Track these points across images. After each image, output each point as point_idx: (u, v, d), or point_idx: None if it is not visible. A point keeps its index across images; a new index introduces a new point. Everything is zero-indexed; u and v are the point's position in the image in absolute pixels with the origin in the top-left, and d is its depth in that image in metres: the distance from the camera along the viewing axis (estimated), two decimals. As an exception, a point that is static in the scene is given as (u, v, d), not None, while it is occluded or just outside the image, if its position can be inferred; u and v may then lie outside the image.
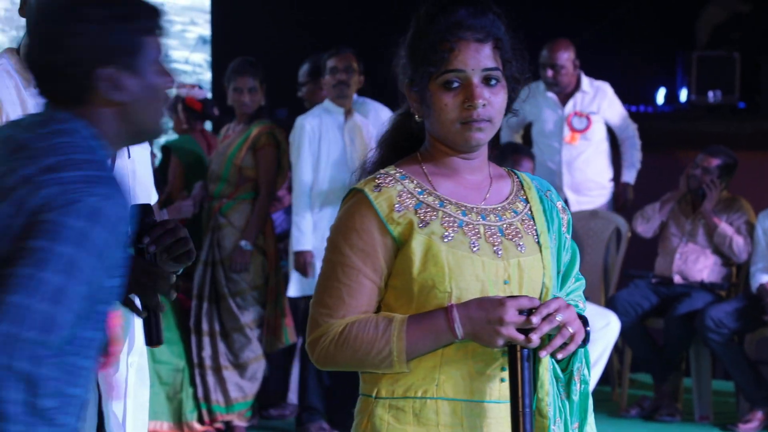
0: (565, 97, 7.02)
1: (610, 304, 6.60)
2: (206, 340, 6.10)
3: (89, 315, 1.92)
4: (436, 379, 2.32)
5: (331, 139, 6.24)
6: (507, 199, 2.43)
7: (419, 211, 2.34)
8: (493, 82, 2.34)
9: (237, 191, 6.21)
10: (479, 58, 2.32)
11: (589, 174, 7.00)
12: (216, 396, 6.07)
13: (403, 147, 2.48)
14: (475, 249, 2.33)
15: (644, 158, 7.18)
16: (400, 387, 2.34)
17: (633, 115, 7.43)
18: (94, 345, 1.97)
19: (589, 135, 6.99)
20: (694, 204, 6.77)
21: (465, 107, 2.31)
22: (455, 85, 2.32)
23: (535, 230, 2.41)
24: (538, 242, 2.40)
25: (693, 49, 10.36)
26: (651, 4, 10.85)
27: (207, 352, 6.09)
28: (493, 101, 2.33)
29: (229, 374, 6.08)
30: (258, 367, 6.14)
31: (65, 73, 2.06)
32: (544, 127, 7.02)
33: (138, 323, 2.86)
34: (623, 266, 6.98)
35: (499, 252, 2.35)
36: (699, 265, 6.67)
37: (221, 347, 6.10)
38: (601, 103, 7.04)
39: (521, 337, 2.25)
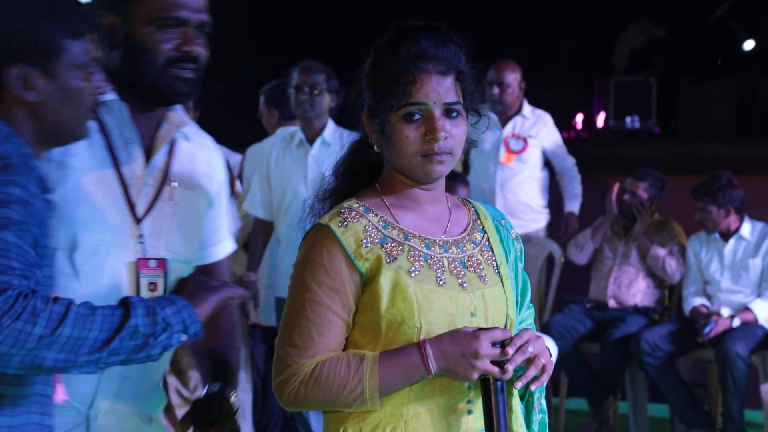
0: (505, 119, 7.06)
1: (545, 329, 6.62)
2: None
3: None
4: (404, 415, 2.29)
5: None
6: (466, 230, 2.43)
7: (386, 246, 2.31)
8: (454, 114, 2.32)
9: None
10: (441, 91, 2.30)
11: (522, 197, 7.03)
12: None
13: (359, 175, 2.45)
14: (441, 282, 2.32)
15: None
16: (367, 425, 2.30)
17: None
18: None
19: (525, 158, 7.03)
20: (626, 227, 6.84)
21: (426, 140, 2.29)
22: (416, 117, 2.30)
23: (495, 261, 2.41)
24: (499, 273, 2.40)
25: (610, 74, 10.52)
26: (568, 31, 11.00)
27: None
28: (454, 133, 2.31)
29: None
30: None
31: None
32: (481, 148, 7.04)
33: None
34: (557, 291, 7.01)
35: (464, 284, 2.34)
36: (633, 289, 6.73)
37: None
38: (540, 130, 7.09)
39: (496, 369, 2.23)
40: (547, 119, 7.15)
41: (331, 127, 5.80)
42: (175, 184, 2.54)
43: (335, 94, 5.79)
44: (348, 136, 5.58)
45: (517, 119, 7.06)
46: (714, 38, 10.73)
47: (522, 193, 7.04)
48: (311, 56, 5.97)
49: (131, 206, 2.44)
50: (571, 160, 7.19)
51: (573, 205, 7.17)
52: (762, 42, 10.58)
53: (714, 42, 10.75)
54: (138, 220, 2.46)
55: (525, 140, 7.03)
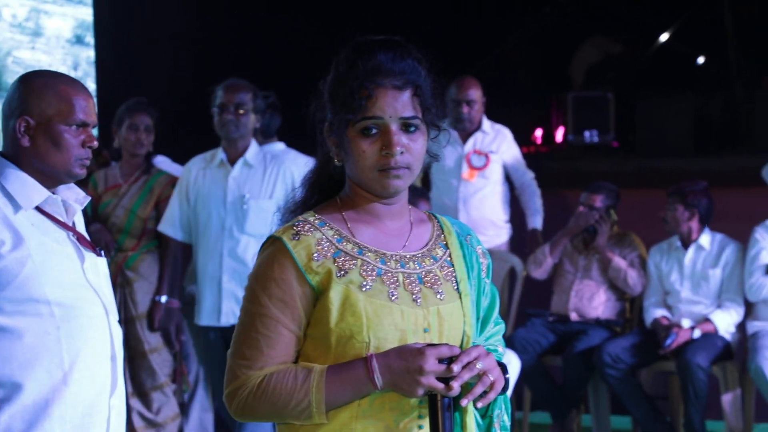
0: (465, 135, 7.07)
1: (508, 343, 6.63)
2: None
3: None
4: (353, 430, 2.28)
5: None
6: (426, 245, 2.42)
7: (338, 260, 2.30)
8: (412, 128, 2.32)
9: (140, 243, 5.94)
10: (397, 105, 2.30)
11: (485, 212, 7.05)
12: None
13: (324, 188, 2.45)
14: (393, 298, 2.30)
15: (527, 198, 7.27)
16: None
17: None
18: None
19: (487, 173, 7.05)
20: (586, 241, 6.87)
21: (383, 154, 2.29)
22: (373, 131, 2.30)
23: (455, 277, 2.40)
24: (458, 289, 2.39)
25: (568, 89, 10.58)
26: (525, 47, 11.05)
27: None
28: (411, 148, 2.31)
29: None
30: (175, 425, 5.90)
31: None
32: (443, 164, 7.05)
33: (121, 370, 3.05)
34: (520, 305, 7.02)
35: (418, 300, 2.33)
36: (594, 302, 6.76)
37: (137, 409, 5.84)
38: (500, 145, 7.12)
39: (441, 386, 2.22)
40: (506, 134, 7.17)
41: (254, 148, 5.55)
42: None
43: (261, 114, 5.59)
44: (271, 159, 5.50)
45: (478, 135, 7.08)
46: (669, 54, 10.84)
47: (485, 208, 7.05)
48: (281, 73, 5.91)
49: None
50: (530, 175, 7.21)
51: (536, 221, 7.20)
52: (716, 58, 10.69)
53: (669, 58, 10.85)
54: None
55: (487, 156, 7.05)
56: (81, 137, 3.03)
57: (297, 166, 5.47)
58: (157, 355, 5.78)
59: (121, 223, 5.95)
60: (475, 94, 7.02)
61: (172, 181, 5.92)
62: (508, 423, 2.46)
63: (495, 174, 7.08)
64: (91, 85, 9.02)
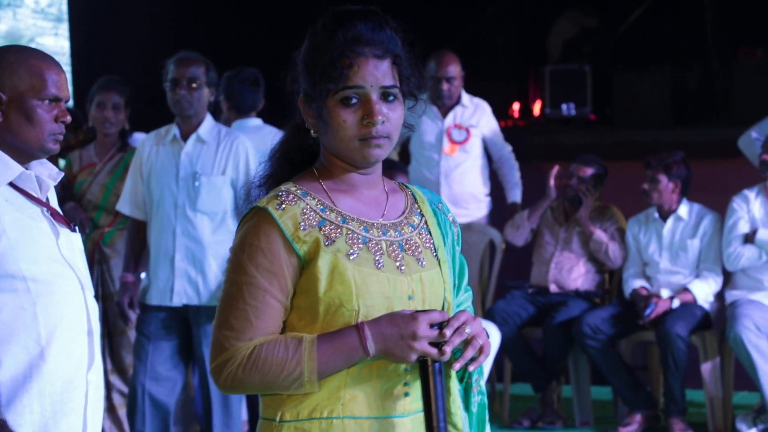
0: (445, 110, 7.07)
1: (488, 315, 6.65)
2: None
3: None
4: (341, 398, 2.28)
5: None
6: (403, 213, 2.41)
7: (324, 229, 2.30)
8: (391, 98, 2.31)
9: (116, 219, 5.92)
10: (377, 74, 2.29)
11: (466, 186, 7.06)
12: None
13: (295, 161, 2.44)
14: (380, 266, 2.30)
15: (507, 171, 7.29)
16: (305, 409, 2.29)
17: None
18: None
19: (468, 147, 7.05)
20: (567, 213, 6.89)
21: (364, 124, 2.28)
22: (354, 101, 2.29)
23: (433, 244, 2.40)
24: (437, 256, 2.39)
25: (545, 63, 10.60)
26: (501, 22, 11.05)
27: None
28: (391, 117, 2.30)
29: (125, 412, 5.75)
30: None
31: None
32: (423, 139, 7.05)
33: (98, 345, 3.01)
34: (499, 277, 7.05)
35: (402, 268, 2.33)
36: (573, 273, 6.79)
37: (116, 385, 5.82)
38: (480, 118, 7.12)
39: (434, 351, 2.23)
40: (485, 107, 7.18)
41: (208, 123, 5.37)
42: None
43: (214, 88, 5.39)
44: (225, 134, 5.36)
45: (458, 109, 7.08)
46: (645, 27, 10.85)
47: (466, 182, 7.06)
48: (263, 49, 5.81)
49: None
50: (508, 148, 7.23)
51: (515, 194, 7.22)
52: (692, 30, 10.71)
53: (645, 31, 10.87)
54: None
55: (467, 130, 7.06)
56: (54, 112, 2.99)
57: (264, 140, 5.38)
58: (133, 332, 5.69)
59: (96, 200, 5.94)
60: (455, 70, 7.01)
61: None
62: (485, 387, 2.48)
63: (475, 148, 7.09)
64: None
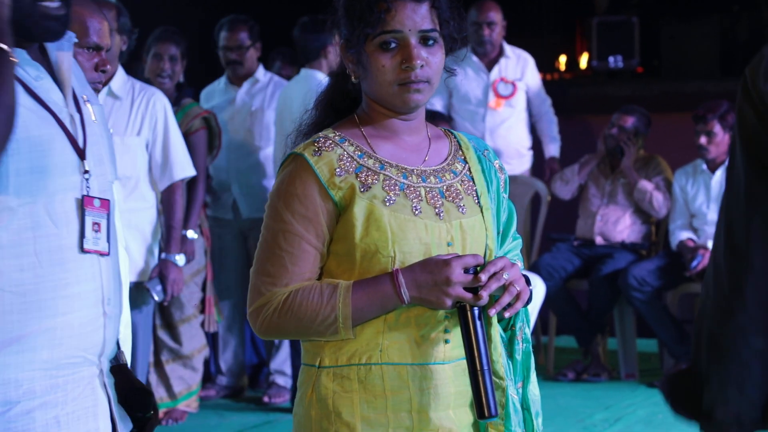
0: (489, 63, 7.02)
1: (533, 268, 6.63)
2: None
3: None
4: (380, 344, 2.28)
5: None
6: (446, 160, 2.40)
7: (360, 175, 2.29)
8: (431, 42, 2.29)
9: None
10: (416, 18, 2.27)
11: (511, 141, 7.01)
12: (159, 392, 5.71)
13: (340, 108, 2.42)
14: (417, 212, 2.29)
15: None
16: (343, 355, 2.29)
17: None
18: None
19: (513, 102, 7.00)
20: (613, 165, 6.85)
21: (402, 68, 2.26)
22: (392, 45, 2.27)
23: (475, 191, 2.38)
24: (479, 203, 2.37)
25: (592, 15, 10.48)
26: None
27: (150, 348, 5.69)
28: (431, 61, 2.28)
29: (172, 368, 5.74)
30: (201, 356, 5.87)
31: None
32: (468, 93, 7.00)
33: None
34: (544, 230, 7.02)
35: (441, 214, 2.31)
36: (620, 226, 6.75)
37: (165, 341, 5.82)
38: (524, 71, 7.06)
39: (469, 295, 2.22)
40: (529, 60, 7.11)
41: (120, 76, 5.00)
42: (88, 103, 2.34)
43: (127, 36, 4.99)
44: (141, 89, 4.96)
45: (502, 62, 7.01)
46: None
47: (511, 137, 7.01)
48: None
49: (73, 141, 2.24)
50: (548, 101, 7.17)
51: (554, 149, 7.17)
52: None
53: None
54: (82, 155, 2.25)
55: (513, 84, 6.99)
56: (94, 60, 2.94)
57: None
58: (186, 287, 5.69)
59: None
60: (496, 16, 6.94)
61: (202, 114, 5.79)
62: (529, 335, 2.46)
63: (520, 102, 7.03)
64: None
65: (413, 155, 2.37)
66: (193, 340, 5.82)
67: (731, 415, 2.10)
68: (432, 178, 2.35)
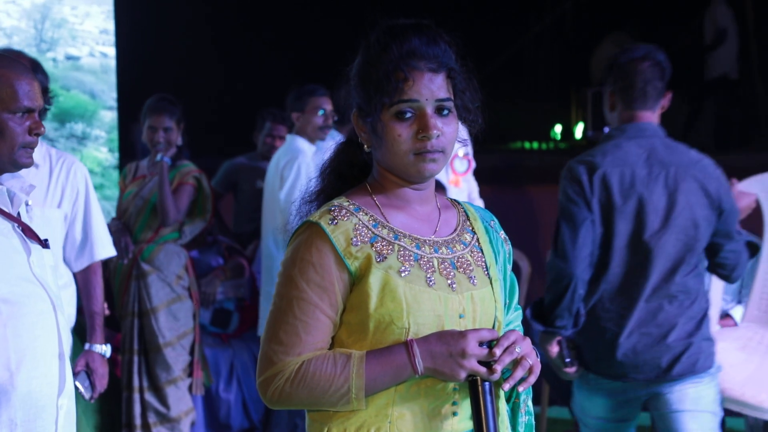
0: None
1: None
2: (136, 397, 5.71)
3: None
4: (389, 416, 2.27)
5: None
6: (455, 230, 2.41)
7: (375, 245, 2.29)
8: (446, 112, 2.31)
9: (156, 234, 5.89)
10: (433, 88, 2.29)
11: None
12: None
13: (346, 176, 2.44)
14: (431, 283, 2.30)
15: (547, 193, 7.20)
16: (352, 425, 2.28)
17: (529, 152, 7.42)
18: None
19: (469, 177, 6.69)
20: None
21: (419, 138, 2.28)
22: (408, 115, 2.28)
23: (485, 262, 2.39)
24: (488, 275, 2.38)
25: (588, 85, 10.57)
26: (545, 42, 11.04)
27: (137, 410, 5.70)
28: (446, 131, 2.30)
29: (159, 431, 5.73)
30: (188, 420, 5.83)
31: None
32: None
33: (69, 368, 2.82)
34: (527, 303, 6.98)
35: (454, 285, 2.32)
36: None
37: (151, 403, 5.77)
38: (469, 142, 6.85)
39: (484, 369, 2.22)
40: (464, 131, 6.94)
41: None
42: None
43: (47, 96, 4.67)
44: (58, 156, 4.37)
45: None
46: (689, 51, 10.80)
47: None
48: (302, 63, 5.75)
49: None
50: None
51: None
52: (742, 68, 10.65)
53: (689, 55, 10.82)
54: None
55: (468, 159, 6.79)
56: (26, 124, 2.82)
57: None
58: (172, 349, 5.71)
59: (138, 213, 5.90)
60: None
61: (194, 172, 5.88)
62: (531, 408, 2.47)
63: (471, 176, 6.81)
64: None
65: (425, 225, 2.38)
66: (180, 403, 5.76)
67: None
68: (443, 248, 2.35)
